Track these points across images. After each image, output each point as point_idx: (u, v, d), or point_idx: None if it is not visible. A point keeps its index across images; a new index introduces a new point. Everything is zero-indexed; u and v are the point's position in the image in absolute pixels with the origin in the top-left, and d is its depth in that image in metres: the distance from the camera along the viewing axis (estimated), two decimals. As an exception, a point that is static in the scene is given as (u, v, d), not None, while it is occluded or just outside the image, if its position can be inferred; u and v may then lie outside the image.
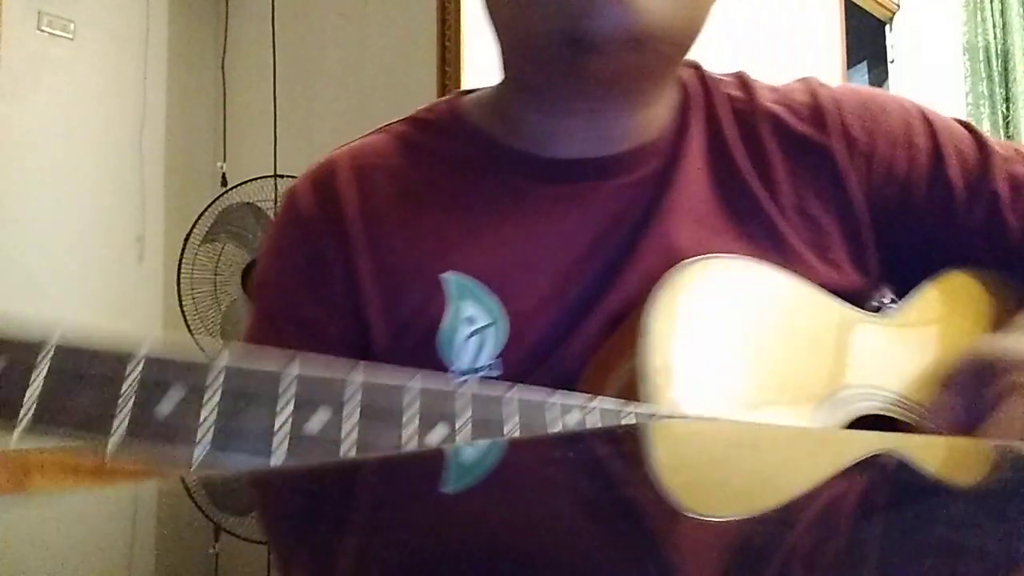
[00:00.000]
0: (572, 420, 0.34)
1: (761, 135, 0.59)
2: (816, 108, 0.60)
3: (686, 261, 0.50)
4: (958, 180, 0.59)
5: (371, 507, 0.23)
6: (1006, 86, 3.11)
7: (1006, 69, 3.11)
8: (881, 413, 0.52)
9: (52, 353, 0.28)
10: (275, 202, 2.04)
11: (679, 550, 0.20)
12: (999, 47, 3.13)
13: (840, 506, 0.24)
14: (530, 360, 0.53)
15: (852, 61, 2.96)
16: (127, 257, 2.36)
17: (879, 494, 0.26)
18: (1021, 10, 3.11)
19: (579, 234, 0.55)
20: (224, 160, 2.50)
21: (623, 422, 0.37)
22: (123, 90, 2.38)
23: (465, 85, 1.78)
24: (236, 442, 0.29)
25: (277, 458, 0.29)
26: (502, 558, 0.19)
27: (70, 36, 2.26)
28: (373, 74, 2.08)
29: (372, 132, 0.63)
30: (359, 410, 0.30)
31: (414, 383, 0.32)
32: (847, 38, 2.81)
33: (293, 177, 1.27)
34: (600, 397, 0.36)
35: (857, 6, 2.98)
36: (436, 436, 0.31)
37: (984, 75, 3.11)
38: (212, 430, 0.29)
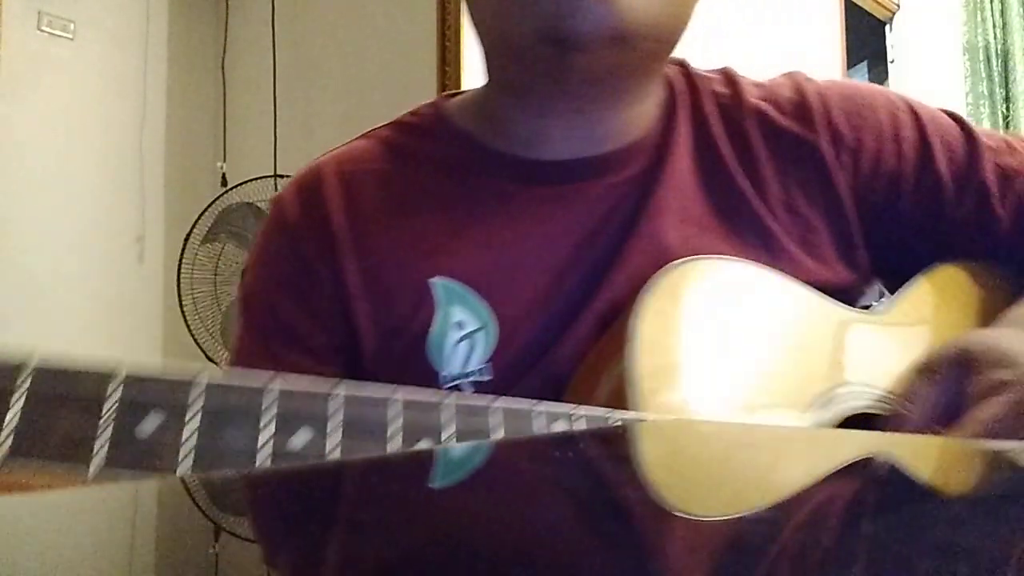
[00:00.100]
0: (559, 429, 0.34)
1: (747, 132, 0.59)
2: (802, 104, 0.60)
3: (673, 263, 0.50)
4: (946, 172, 0.59)
5: (358, 506, 0.23)
6: (1006, 86, 3.11)
7: (1006, 69, 3.11)
8: (871, 411, 0.52)
9: (31, 376, 0.28)
10: (275, 202, 2.03)
11: (665, 549, 0.20)
12: (999, 47, 3.13)
13: (821, 506, 0.24)
14: (520, 364, 0.53)
15: (852, 61, 2.95)
16: (127, 257, 2.36)
17: (862, 495, 0.26)
18: (1021, 10, 3.10)
19: (567, 236, 0.55)
20: (224, 160, 2.50)
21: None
22: (123, 90, 2.38)
23: (465, 85, 1.78)
24: (219, 461, 0.29)
25: None
26: (491, 557, 0.19)
27: (70, 36, 2.26)
28: (373, 74, 2.07)
29: (358, 137, 0.62)
30: (343, 425, 0.30)
31: (397, 396, 0.31)
32: (847, 38, 2.80)
33: (293, 177, 1.26)
34: (586, 406, 0.36)
35: (857, 6, 2.98)
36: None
37: (984, 75, 3.10)
38: (194, 449, 0.28)
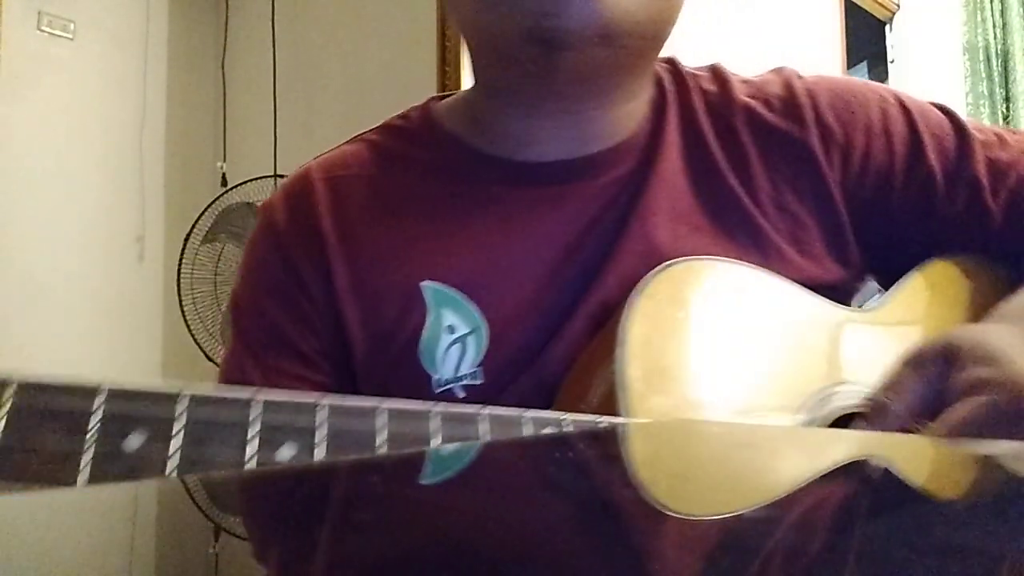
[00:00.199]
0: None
1: (737, 129, 0.59)
2: (791, 100, 0.60)
3: (663, 264, 0.50)
4: (937, 167, 0.59)
5: (344, 504, 0.23)
6: (1006, 86, 3.10)
7: (1006, 69, 3.11)
8: (861, 411, 0.52)
9: (14, 393, 0.28)
10: (275, 202, 2.04)
11: (656, 549, 0.20)
12: (999, 47, 3.13)
13: (803, 507, 0.24)
14: (512, 366, 0.52)
15: (852, 61, 2.95)
16: (127, 257, 2.36)
17: (851, 496, 0.26)
18: (1021, 10, 3.10)
19: (557, 237, 0.55)
20: (224, 160, 2.50)
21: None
22: (123, 90, 2.38)
23: (465, 85, 1.78)
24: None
25: None
26: (482, 557, 0.19)
27: (70, 36, 2.26)
28: (373, 74, 2.07)
29: (346, 142, 0.62)
30: (330, 437, 0.30)
31: (384, 406, 0.31)
32: (847, 38, 2.80)
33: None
34: (575, 414, 0.36)
35: (857, 6, 2.98)
36: None
37: (984, 75, 3.10)
38: (180, 464, 0.28)
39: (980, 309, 0.55)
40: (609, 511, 0.23)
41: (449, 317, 0.53)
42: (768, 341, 0.51)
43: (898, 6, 3.21)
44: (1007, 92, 3.10)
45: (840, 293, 0.59)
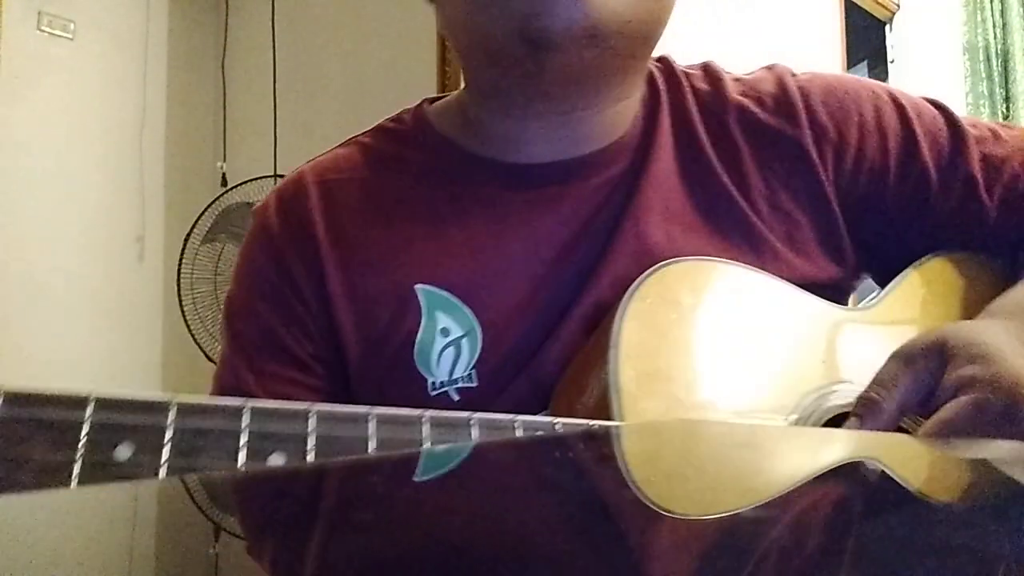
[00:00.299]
0: None
1: (729, 128, 0.59)
2: (784, 98, 0.59)
3: (657, 265, 0.50)
4: (931, 163, 0.59)
5: (340, 506, 0.23)
6: (1006, 86, 3.10)
7: (1006, 69, 3.11)
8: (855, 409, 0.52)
9: (2, 401, 0.27)
10: (275, 202, 2.04)
11: (652, 547, 0.20)
12: (999, 47, 3.13)
13: (794, 506, 0.24)
14: (507, 368, 0.52)
15: (852, 61, 2.95)
16: (127, 257, 2.36)
17: (837, 495, 0.26)
18: (1021, 10, 3.10)
19: (551, 239, 0.55)
20: (224, 160, 2.50)
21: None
22: (123, 90, 2.38)
23: (465, 85, 1.77)
24: None
25: None
26: (476, 555, 0.19)
27: (70, 36, 2.26)
28: (373, 74, 2.07)
29: (339, 145, 0.62)
30: (320, 444, 0.30)
31: (374, 413, 0.31)
32: (847, 38, 2.80)
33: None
34: (566, 418, 0.36)
35: (857, 6, 2.98)
36: None
37: (984, 75, 3.10)
38: (170, 473, 0.28)
39: (975, 304, 0.55)
40: (603, 510, 0.23)
41: (443, 320, 0.53)
42: (762, 342, 0.51)
43: (898, 6, 3.21)
44: (1007, 92, 3.10)
45: (835, 291, 0.58)
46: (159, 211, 2.43)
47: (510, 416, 0.34)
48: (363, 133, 0.62)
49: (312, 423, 0.30)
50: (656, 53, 0.59)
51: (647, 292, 0.48)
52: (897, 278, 0.59)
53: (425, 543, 0.19)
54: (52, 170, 2.20)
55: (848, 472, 0.30)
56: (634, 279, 0.49)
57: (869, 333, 0.56)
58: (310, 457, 0.30)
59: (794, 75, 0.62)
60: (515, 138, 0.56)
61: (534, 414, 0.50)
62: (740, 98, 0.60)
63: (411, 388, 0.52)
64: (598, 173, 0.56)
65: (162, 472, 0.28)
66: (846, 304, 0.61)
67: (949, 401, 0.42)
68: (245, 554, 0.20)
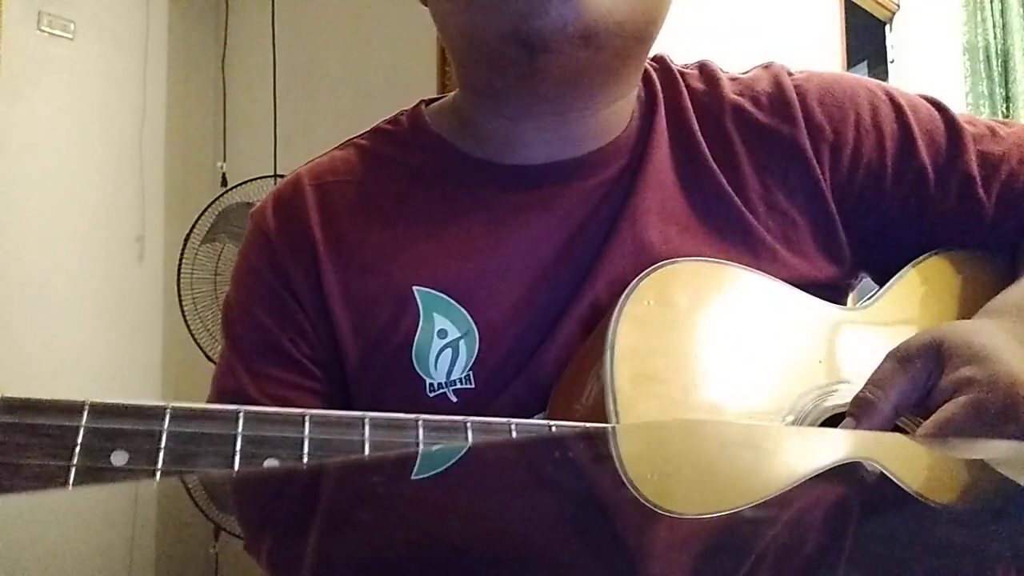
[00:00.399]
0: None
1: (726, 128, 0.58)
2: (780, 98, 0.59)
3: (653, 267, 0.50)
4: (928, 162, 0.59)
5: (337, 505, 0.23)
6: (1006, 86, 3.10)
7: (1006, 69, 3.11)
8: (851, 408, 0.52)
9: (1, 407, 0.28)
10: (275, 202, 2.04)
11: (651, 547, 0.20)
12: (999, 47, 3.12)
13: (788, 506, 0.24)
14: (504, 370, 0.52)
15: (852, 61, 2.95)
16: (127, 257, 2.36)
17: (845, 498, 0.26)
18: (1021, 10, 3.10)
19: (547, 240, 0.55)
20: (224, 160, 2.50)
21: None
22: (123, 90, 2.38)
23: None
24: None
25: None
26: (473, 554, 0.19)
27: (70, 36, 2.26)
28: (373, 74, 2.07)
29: (336, 147, 0.62)
30: (314, 449, 0.30)
31: (368, 417, 0.31)
32: (847, 38, 2.80)
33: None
34: (562, 421, 0.36)
35: (857, 6, 2.97)
36: None
37: (984, 75, 3.10)
38: (164, 478, 0.28)
39: (973, 302, 0.55)
40: (600, 510, 0.23)
41: (441, 321, 0.53)
42: (759, 342, 0.51)
43: (898, 6, 3.20)
44: (1007, 92, 3.09)
45: (833, 291, 0.58)
46: (159, 211, 2.43)
47: (505, 420, 0.34)
48: (360, 135, 0.62)
49: (307, 428, 0.30)
50: (654, 52, 0.59)
51: (643, 293, 0.48)
52: (895, 277, 0.59)
53: (422, 542, 0.19)
54: (52, 170, 2.20)
55: (844, 472, 0.30)
56: (631, 280, 0.49)
57: (867, 332, 0.56)
58: (305, 462, 0.30)
59: (791, 74, 0.62)
60: (511, 139, 0.56)
61: (532, 415, 0.50)
62: (736, 97, 0.60)
63: (409, 389, 0.52)
64: (594, 174, 0.56)
65: (157, 478, 0.28)
66: (844, 304, 0.61)
67: (947, 402, 0.42)
68: (245, 554, 0.20)
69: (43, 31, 2.20)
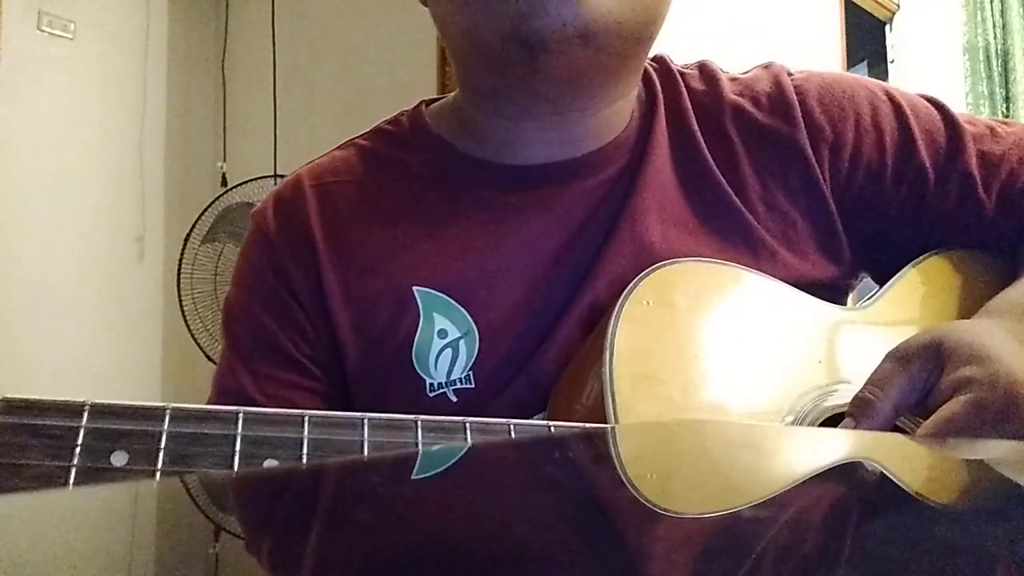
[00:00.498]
0: None
1: (726, 128, 0.58)
2: (779, 98, 0.59)
3: (652, 267, 0.50)
4: (928, 162, 0.59)
5: (337, 504, 0.23)
6: (1006, 86, 3.10)
7: (1006, 69, 3.11)
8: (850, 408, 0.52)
9: (1, 409, 0.28)
10: (275, 202, 2.04)
11: (651, 547, 0.20)
12: (999, 47, 3.12)
13: (786, 506, 0.24)
14: (504, 369, 0.52)
15: (852, 61, 2.95)
16: (127, 257, 2.36)
17: (845, 498, 0.26)
18: (1021, 10, 3.10)
19: (547, 240, 0.55)
20: (224, 160, 2.50)
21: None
22: (123, 90, 2.38)
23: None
24: None
25: None
26: (474, 553, 0.19)
27: (70, 36, 2.26)
28: (373, 74, 2.07)
29: (337, 147, 0.62)
30: (313, 450, 0.30)
31: (367, 418, 0.32)
32: (847, 38, 2.80)
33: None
34: (561, 422, 0.36)
35: (857, 6, 2.97)
36: None
37: (984, 75, 3.10)
38: (164, 478, 0.28)
39: (973, 302, 0.55)
40: (599, 510, 0.23)
41: (441, 321, 0.53)
42: (759, 343, 0.51)
43: (898, 6, 3.20)
44: (1007, 92, 3.09)
45: (833, 291, 0.58)
46: (159, 211, 2.43)
47: (504, 420, 0.34)
48: (360, 135, 0.63)
49: (306, 429, 0.30)
50: (654, 52, 0.59)
51: (643, 294, 0.49)
52: (895, 277, 0.59)
53: (423, 543, 0.19)
54: (52, 170, 2.20)
55: (844, 472, 0.30)
56: (631, 280, 0.50)
57: (867, 332, 0.56)
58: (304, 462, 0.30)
59: (790, 74, 0.62)
60: (511, 139, 0.56)
61: (532, 415, 0.50)
62: (736, 98, 0.60)
63: (409, 389, 0.52)
64: (594, 174, 0.56)
65: (157, 478, 0.28)
66: (844, 304, 0.61)
67: (947, 401, 0.42)
68: (245, 554, 0.20)
69: (43, 31, 2.20)
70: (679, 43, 0.63)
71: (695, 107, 0.59)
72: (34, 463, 0.27)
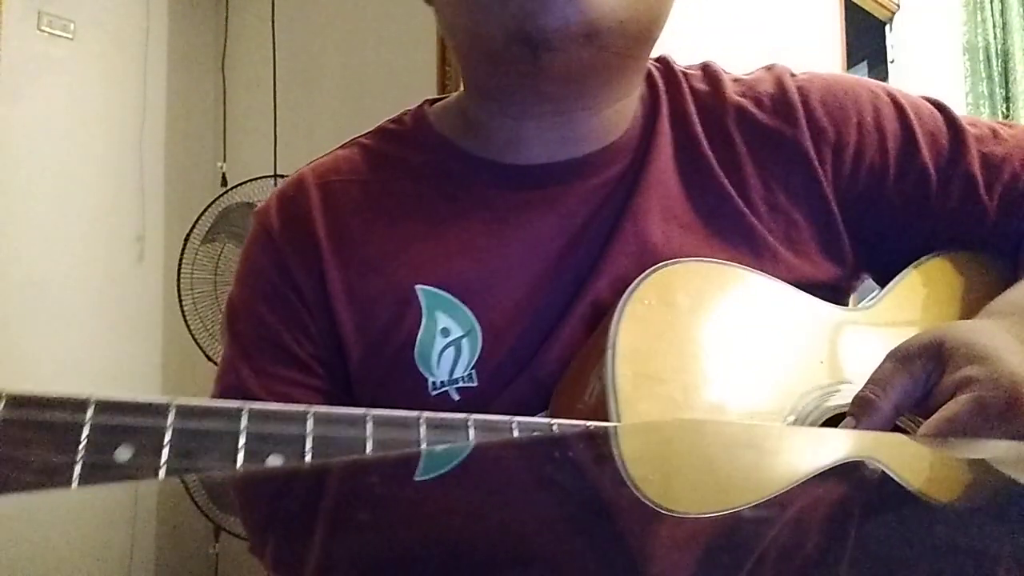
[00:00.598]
0: None
1: (728, 129, 0.59)
2: (782, 99, 0.59)
3: (655, 267, 0.50)
4: (931, 163, 0.59)
5: (341, 506, 0.23)
6: (1006, 86, 3.10)
7: (1006, 69, 3.11)
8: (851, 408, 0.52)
9: (5, 404, 0.28)
10: (275, 202, 2.04)
11: (652, 547, 0.20)
12: (999, 47, 3.13)
13: (794, 506, 0.24)
14: (507, 368, 0.53)
15: (852, 61, 2.95)
16: (127, 257, 2.36)
17: (847, 498, 0.26)
18: (1021, 10, 3.10)
19: (550, 239, 0.55)
20: (224, 160, 2.50)
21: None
22: (123, 90, 2.38)
23: (465, 85, 1.77)
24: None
25: None
26: (475, 553, 0.19)
27: (70, 36, 2.26)
28: (373, 74, 2.07)
29: (340, 146, 0.62)
30: (317, 446, 0.30)
31: (371, 414, 0.32)
32: (847, 38, 2.80)
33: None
34: (564, 419, 0.36)
35: (857, 6, 2.97)
36: None
37: (984, 75, 3.10)
38: (169, 474, 0.28)
39: (975, 304, 0.55)
40: (601, 510, 0.23)
41: (443, 320, 0.53)
42: (760, 343, 0.51)
43: (898, 6, 3.21)
44: (1007, 92, 3.09)
45: (835, 292, 0.58)
46: (159, 211, 2.43)
47: (507, 417, 0.34)
48: (364, 134, 0.63)
49: (310, 425, 0.30)
50: (655, 53, 0.59)
51: (645, 293, 0.49)
52: (896, 278, 0.59)
53: (427, 543, 0.19)
54: (52, 170, 2.20)
55: (846, 472, 0.30)
56: (633, 279, 0.50)
57: (868, 333, 0.56)
58: (308, 458, 0.30)
59: (793, 75, 0.62)
60: (514, 139, 0.57)
61: (534, 414, 0.50)
62: (739, 99, 0.60)
63: (411, 388, 0.53)
64: (597, 174, 0.57)
65: (161, 473, 0.28)
66: (846, 305, 0.61)
67: (948, 401, 0.42)
68: (245, 554, 0.20)
69: (43, 31, 2.20)
70: (679, 43, 0.63)
71: (698, 108, 0.60)
72: (39, 458, 0.27)
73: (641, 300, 0.48)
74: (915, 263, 0.60)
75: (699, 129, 0.59)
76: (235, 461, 0.29)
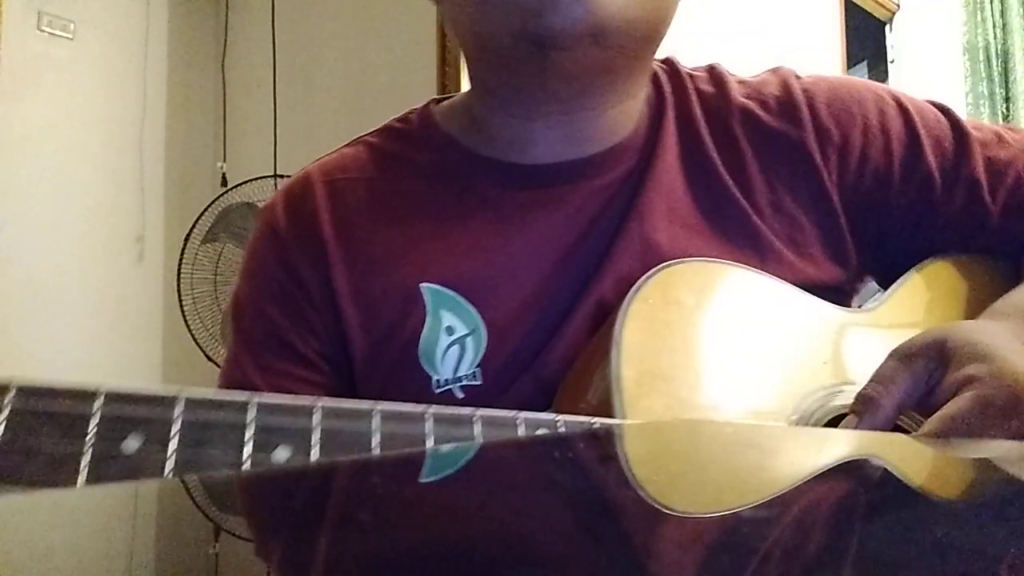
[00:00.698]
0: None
1: (734, 131, 0.59)
2: (788, 101, 0.60)
3: (659, 266, 0.50)
4: (935, 167, 0.59)
5: (344, 502, 0.23)
6: (1006, 86, 3.10)
7: (1006, 69, 3.11)
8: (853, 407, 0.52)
9: (15, 394, 0.28)
10: (275, 202, 2.04)
11: (657, 547, 0.20)
12: (999, 47, 3.13)
13: (787, 506, 0.24)
14: (511, 367, 0.53)
15: (852, 61, 2.95)
16: (127, 257, 2.36)
17: (850, 498, 0.26)
18: (1021, 10, 3.10)
19: (555, 239, 0.55)
20: (224, 160, 2.50)
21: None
22: (123, 90, 2.38)
23: (465, 86, 1.77)
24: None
25: None
26: (480, 553, 0.19)
27: (70, 36, 2.26)
28: (373, 74, 2.07)
29: (346, 144, 0.62)
30: (324, 439, 0.30)
31: (378, 408, 0.31)
32: (847, 38, 2.80)
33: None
34: (568, 415, 0.36)
35: (857, 6, 2.98)
36: None
37: (984, 75, 3.10)
38: (177, 466, 0.28)
39: (978, 307, 0.55)
40: (606, 509, 0.23)
41: (448, 318, 0.53)
42: (764, 343, 0.51)
43: (898, 6, 3.21)
44: (1007, 92, 3.10)
45: (838, 293, 0.59)
46: (159, 211, 2.43)
47: (512, 412, 0.34)
48: (370, 133, 0.63)
49: (317, 417, 0.30)
50: (663, 54, 0.60)
51: (649, 293, 0.49)
52: (900, 280, 0.59)
53: (433, 543, 0.19)
54: (52, 170, 2.20)
55: (849, 471, 0.30)
56: (638, 279, 0.50)
57: (872, 335, 0.56)
58: (315, 451, 0.30)
59: (799, 78, 0.62)
60: (520, 138, 0.57)
61: (539, 412, 0.50)
62: (744, 101, 0.60)
63: (416, 386, 0.53)
64: (603, 174, 0.57)
65: (169, 464, 0.28)
66: (849, 306, 0.61)
67: (950, 399, 0.42)
68: (245, 554, 0.20)
69: (43, 31, 2.20)
70: (680, 43, 0.63)
71: (703, 109, 0.60)
72: (48, 447, 0.27)
73: (645, 299, 0.48)
74: (918, 266, 0.60)
75: (704, 130, 0.59)
76: (242, 453, 0.29)
